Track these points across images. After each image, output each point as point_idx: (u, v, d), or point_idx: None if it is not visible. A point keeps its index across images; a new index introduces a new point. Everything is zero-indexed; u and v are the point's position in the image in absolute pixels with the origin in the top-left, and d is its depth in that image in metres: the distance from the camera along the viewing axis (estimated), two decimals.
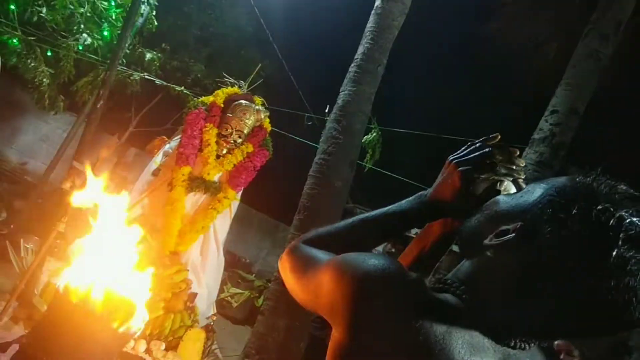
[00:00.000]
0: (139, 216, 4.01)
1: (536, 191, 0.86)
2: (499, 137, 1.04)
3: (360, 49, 5.10)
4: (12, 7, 4.93)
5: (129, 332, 2.02)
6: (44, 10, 5.15)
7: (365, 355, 0.80)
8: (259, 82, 4.30)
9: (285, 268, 1.10)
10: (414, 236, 1.32)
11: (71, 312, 1.83)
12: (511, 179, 1.01)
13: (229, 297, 8.75)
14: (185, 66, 7.82)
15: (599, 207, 0.76)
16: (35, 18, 5.19)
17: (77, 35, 5.45)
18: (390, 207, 1.13)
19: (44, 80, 5.54)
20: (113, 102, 7.83)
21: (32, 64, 5.37)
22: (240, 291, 9.05)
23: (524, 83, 7.60)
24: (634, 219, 0.75)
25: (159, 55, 6.90)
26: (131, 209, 4.04)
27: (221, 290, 8.79)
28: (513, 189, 1.03)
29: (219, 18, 8.52)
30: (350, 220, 1.14)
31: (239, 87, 4.16)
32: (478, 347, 0.81)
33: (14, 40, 5.14)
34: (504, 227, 0.85)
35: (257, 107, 4.02)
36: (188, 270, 3.92)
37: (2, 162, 6.71)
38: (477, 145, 1.05)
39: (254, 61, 8.54)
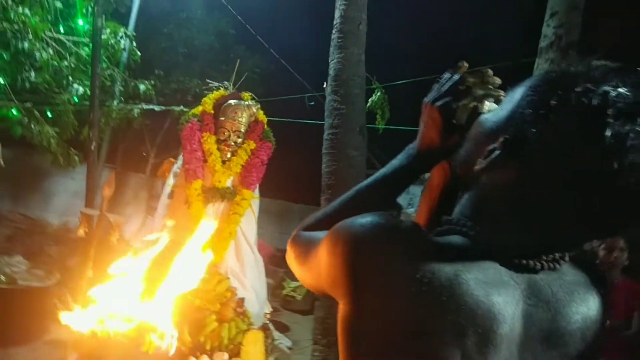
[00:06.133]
0: (170, 241, 4.09)
1: (514, 97, 0.81)
2: (466, 64, 1.00)
3: (337, 13, 4.98)
4: (1, 80, 5.08)
5: (162, 351, 2.07)
6: (32, 74, 5.29)
7: (371, 318, 0.76)
8: (243, 77, 4.26)
9: (290, 259, 1.07)
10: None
11: (101, 350, 1.88)
12: (492, 99, 0.96)
13: (291, 292, 8.85)
14: (182, 86, 7.89)
15: (578, 89, 0.69)
16: (27, 84, 5.33)
17: (69, 88, 5.59)
18: (382, 170, 1.08)
19: (51, 140, 5.71)
20: (128, 141, 8.04)
21: (37, 129, 5.55)
22: (300, 283, 9.13)
23: None
24: (621, 90, 0.68)
25: (152, 83, 6.97)
26: (159, 236, 4.13)
27: (282, 287, 8.92)
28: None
29: (200, 30, 8.54)
30: (345, 194, 1.09)
31: (225, 88, 4.14)
32: (495, 283, 0.75)
33: (13, 111, 5.32)
34: (490, 147, 0.79)
35: (246, 102, 3.99)
36: (228, 278, 3.97)
37: (46, 227, 6.98)
38: (446, 77, 1.01)
39: (245, 60, 8.59)
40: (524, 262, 0.78)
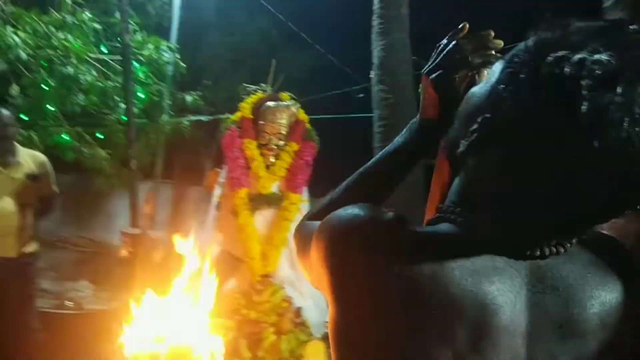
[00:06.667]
0: (221, 252, 3.99)
1: (496, 68, 0.73)
2: (467, 26, 0.93)
3: None
4: (51, 107, 5.24)
5: None
6: (81, 97, 5.41)
7: (353, 318, 0.72)
8: (282, 78, 4.08)
9: (295, 251, 1.03)
10: None
11: None
12: (491, 66, 0.84)
13: None
14: (231, 93, 7.87)
15: (549, 58, 0.61)
16: (77, 108, 5.46)
17: (117, 108, 5.66)
18: (386, 148, 1.04)
19: (103, 163, 5.82)
20: (184, 154, 8.14)
21: (89, 152, 5.67)
22: None
23: None
24: (599, 56, 0.58)
25: (200, 94, 7.01)
26: (209, 248, 4.05)
27: None
28: None
29: (244, 34, 8.50)
30: (349, 178, 1.06)
31: (263, 91, 3.98)
32: (486, 271, 0.68)
33: (64, 136, 5.46)
34: (472, 127, 0.71)
35: (285, 103, 3.82)
36: (284, 288, 3.82)
37: (109, 248, 7.10)
38: (443, 44, 0.95)
39: (292, 59, 8.55)
40: (520, 248, 0.71)
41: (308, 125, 3.89)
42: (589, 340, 0.72)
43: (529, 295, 0.70)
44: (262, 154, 3.76)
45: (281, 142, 3.77)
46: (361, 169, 1.05)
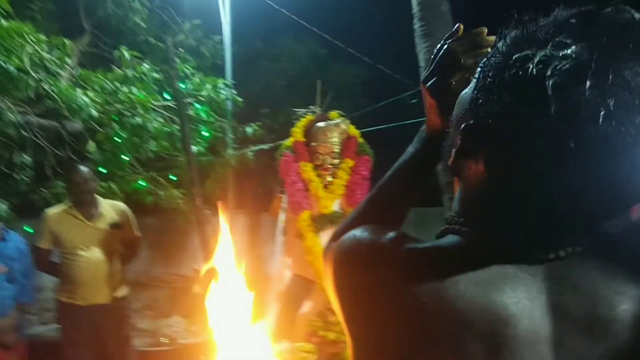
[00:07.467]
0: (293, 277, 4.05)
1: (477, 71, 0.67)
2: (462, 28, 0.89)
3: (414, 1, 4.66)
4: (125, 157, 5.60)
5: None
6: (152, 143, 5.75)
7: (362, 343, 0.72)
8: (328, 97, 4.14)
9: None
10: None
11: None
12: None
13: None
14: (289, 118, 8.06)
15: (512, 60, 0.58)
16: (150, 154, 5.81)
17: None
18: (400, 158, 1.02)
19: (179, 202, 6.13)
20: (254, 183, 8.37)
21: (165, 194, 6.00)
22: None
23: None
24: (564, 51, 0.54)
25: (259, 124, 7.24)
26: (281, 274, 4.13)
27: None
28: None
29: (293, 59, 8.71)
30: (372, 191, 1.05)
31: (312, 113, 4.06)
32: (495, 280, 0.64)
33: (141, 182, 5.81)
34: (459, 135, 0.68)
35: (334, 121, 3.86)
36: None
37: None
38: (436, 49, 0.91)
39: (340, 76, 8.63)
40: (531, 253, 0.66)
41: (360, 140, 3.91)
42: (623, 337, 0.65)
43: (550, 300, 0.65)
44: (318, 175, 3.83)
45: (336, 161, 3.82)
46: (380, 182, 1.03)
